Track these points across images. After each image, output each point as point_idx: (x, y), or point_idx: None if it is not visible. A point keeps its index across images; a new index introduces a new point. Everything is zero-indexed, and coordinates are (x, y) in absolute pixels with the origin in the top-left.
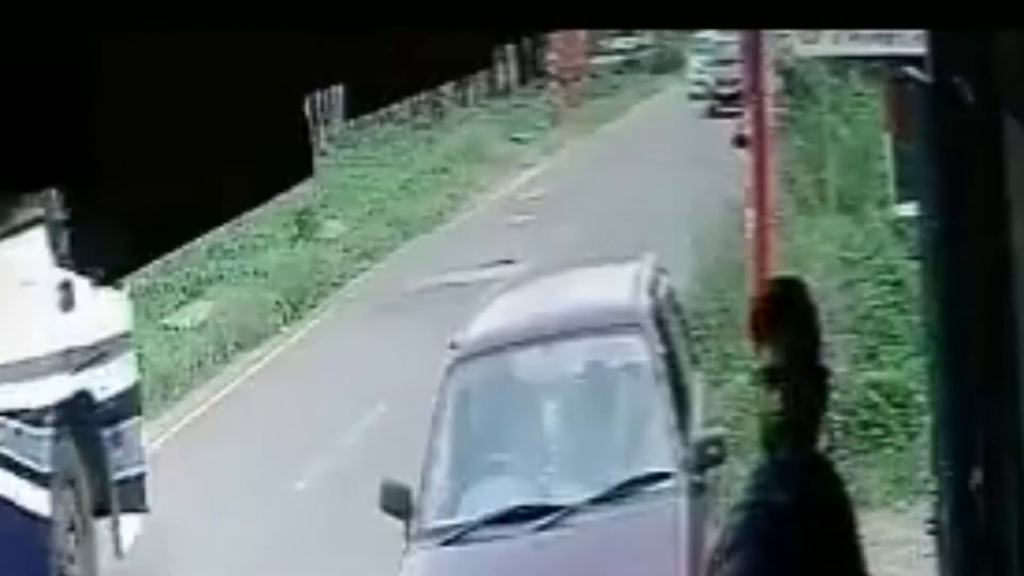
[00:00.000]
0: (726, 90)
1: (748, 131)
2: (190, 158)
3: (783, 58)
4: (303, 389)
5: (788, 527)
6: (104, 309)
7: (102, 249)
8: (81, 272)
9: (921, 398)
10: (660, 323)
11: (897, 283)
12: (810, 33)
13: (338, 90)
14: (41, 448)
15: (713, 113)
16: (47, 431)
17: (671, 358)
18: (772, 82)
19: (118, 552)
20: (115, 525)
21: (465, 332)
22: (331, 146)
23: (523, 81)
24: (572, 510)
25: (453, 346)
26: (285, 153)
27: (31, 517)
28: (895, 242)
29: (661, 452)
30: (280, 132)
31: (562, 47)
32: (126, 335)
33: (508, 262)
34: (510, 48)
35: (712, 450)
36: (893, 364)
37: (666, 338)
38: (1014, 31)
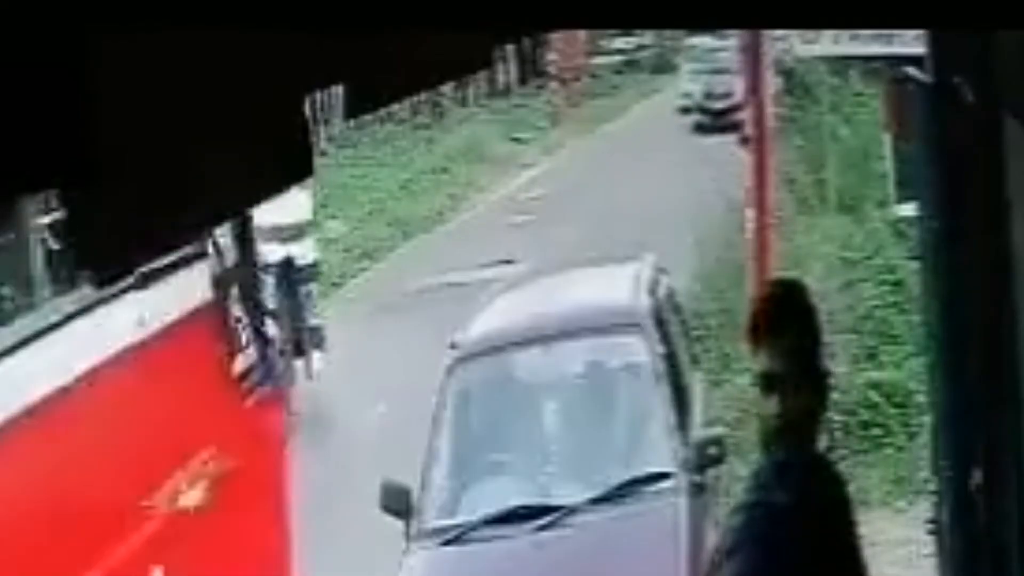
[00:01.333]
0: (718, 105)
1: (748, 131)
2: (190, 158)
3: (783, 58)
4: (303, 389)
5: (788, 528)
6: (297, 200)
7: (101, 249)
8: (79, 271)
9: (921, 398)
10: (660, 323)
11: (897, 283)
12: (810, 33)
13: (338, 90)
14: (268, 290)
15: (700, 129)
16: (271, 280)
17: (671, 358)
18: (772, 82)
19: (309, 375)
20: (308, 358)
21: (465, 332)
22: (331, 146)
23: (523, 81)
24: (572, 510)
25: (453, 346)
26: (285, 153)
27: (264, 338)
28: (895, 242)
29: (661, 452)
30: (280, 132)
31: (562, 47)
32: (311, 222)
33: (508, 262)
34: (510, 48)
35: (712, 450)
36: (893, 364)
37: (666, 338)
38: (1014, 31)
